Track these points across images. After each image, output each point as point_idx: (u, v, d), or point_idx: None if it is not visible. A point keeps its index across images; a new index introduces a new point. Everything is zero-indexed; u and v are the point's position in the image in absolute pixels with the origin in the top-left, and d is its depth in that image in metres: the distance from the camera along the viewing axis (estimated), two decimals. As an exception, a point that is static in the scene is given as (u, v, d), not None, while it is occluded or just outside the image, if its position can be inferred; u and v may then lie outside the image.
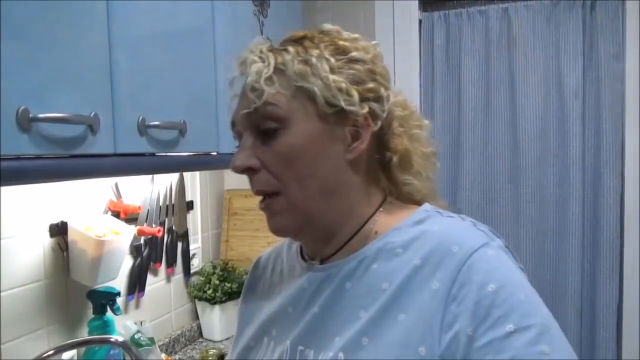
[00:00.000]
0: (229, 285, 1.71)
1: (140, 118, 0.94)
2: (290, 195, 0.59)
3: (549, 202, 1.70)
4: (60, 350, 1.05)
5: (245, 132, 0.61)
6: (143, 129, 0.94)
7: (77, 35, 0.80)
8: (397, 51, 1.75)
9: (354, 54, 0.61)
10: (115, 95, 0.88)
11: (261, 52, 0.60)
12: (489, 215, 1.77)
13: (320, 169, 0.59)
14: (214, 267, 1.78)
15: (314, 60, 0.58)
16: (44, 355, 0.99)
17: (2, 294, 1.12)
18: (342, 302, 0.60)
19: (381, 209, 0.64)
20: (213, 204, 1.91)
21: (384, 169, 0.65)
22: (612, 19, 1.60)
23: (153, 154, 0.99)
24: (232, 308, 1.75)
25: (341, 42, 0.61)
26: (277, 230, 0.63)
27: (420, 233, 0.59)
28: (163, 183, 1.62)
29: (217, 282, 1.70)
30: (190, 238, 1.76)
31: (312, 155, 0.59)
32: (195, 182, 1.81)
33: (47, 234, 1.23)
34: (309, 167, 0.59)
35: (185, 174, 1.72)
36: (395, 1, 1.76)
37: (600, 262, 1.64)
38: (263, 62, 0.59)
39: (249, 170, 0.60)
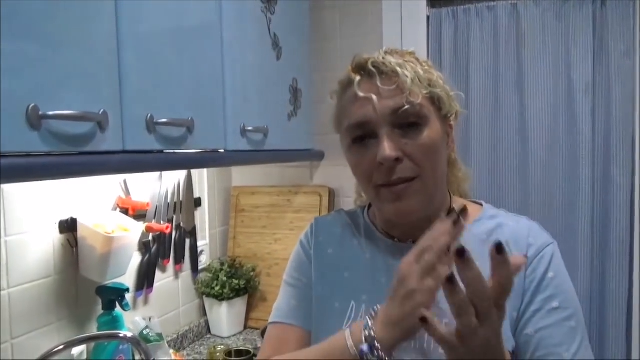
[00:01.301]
0: (236, 281, 1.71)
1: (149, 115, 0.94)
2: (425, 179, 0.70)
3: (558, 199, 1.68)
4: (69, 345, 1.06)
5: (382, 129, 0.69)
6: (151, 126, 0.95)
7: (86, 33, 0.81)
8: (405, 48, 1.74)
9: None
10: (123, 92, 0.89)
11: (396, 59, 0.70)
12: (497, 211, 1.75)
13: (442, 161, 0.74)
14: (222, 264, 1.79)
15: (433, 71, 0.72)
16: (54, 351, 1.00)
17: (13, 289, 1.14)
18: None
19: (452, 202, 0.79)
20: (220, 201, 1.92)
21: None
22: (622, 16, 1.58)
23: (161, 151, 1.00)
24: (240, 304, 1.76)
25: (422, 61, 0.74)
26: (405, 213, 0.71)
27: (497, 225, 0.77)
28: (171, 180, 1.63)
29: (224, 278, 1.71)
30: (198, 235, 1.77)
31: (440, 148, 0.72)
32: (202, 179, 1.82)
33: (57, 230, 1.24)
34: (439, 158, 0.72)
35: (193, 171, 1.73)
36: (403, -2, 1.75)
37: (610, 260, 1.62)
38: (406, 68, 0.69)
39: (395, 160, 0.68)
